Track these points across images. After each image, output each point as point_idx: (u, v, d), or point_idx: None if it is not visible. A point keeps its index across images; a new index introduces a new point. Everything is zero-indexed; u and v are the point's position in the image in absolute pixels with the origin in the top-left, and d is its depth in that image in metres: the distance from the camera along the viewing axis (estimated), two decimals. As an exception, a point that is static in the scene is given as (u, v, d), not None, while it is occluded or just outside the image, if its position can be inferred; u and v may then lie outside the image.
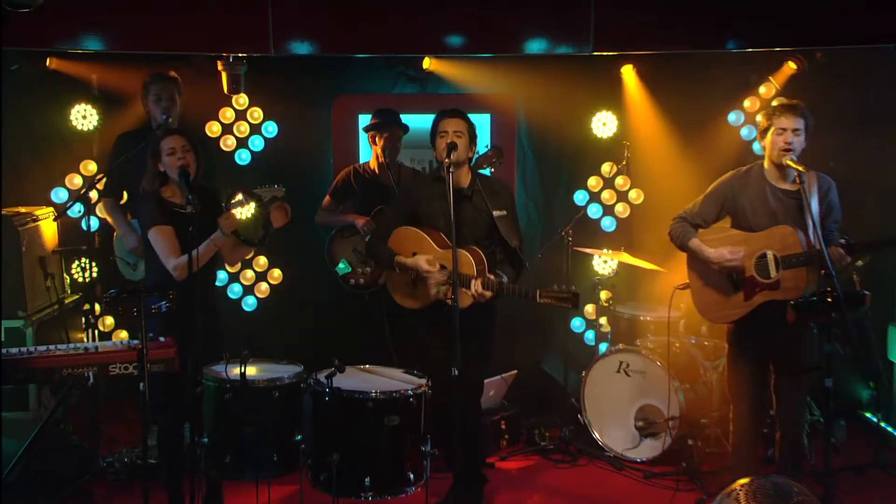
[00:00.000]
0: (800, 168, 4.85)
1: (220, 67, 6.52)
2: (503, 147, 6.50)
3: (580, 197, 7.61)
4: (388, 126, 6.56)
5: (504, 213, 5.14)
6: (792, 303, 4.68)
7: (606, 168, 7.44)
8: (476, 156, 5.42)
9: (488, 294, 4.89)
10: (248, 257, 6.74)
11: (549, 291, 4.80)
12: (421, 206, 5.19)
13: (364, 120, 7.12)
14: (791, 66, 6.94)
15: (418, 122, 6.86)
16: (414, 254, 5.12)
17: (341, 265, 6.67)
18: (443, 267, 5.01)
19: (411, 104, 7.20)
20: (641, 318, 6.63)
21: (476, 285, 4.86)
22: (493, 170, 6.28)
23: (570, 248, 6.57)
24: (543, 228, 7.55)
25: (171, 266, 5.00)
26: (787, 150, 4.92)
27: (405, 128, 6.65)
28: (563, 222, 6.87)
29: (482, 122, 7.43)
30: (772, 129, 5.00)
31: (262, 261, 7.45)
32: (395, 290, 5.33)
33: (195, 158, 5.13)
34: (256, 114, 7.38)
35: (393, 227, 5.27)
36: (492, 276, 4.98)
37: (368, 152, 6.94)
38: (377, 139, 6.59)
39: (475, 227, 5.12)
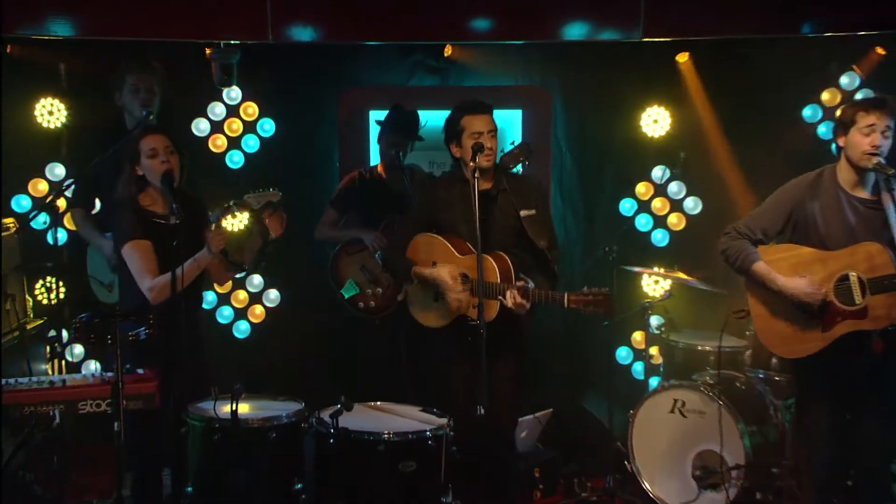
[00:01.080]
0: (889, 171, 4.82)
1: (208, 56, 6.62)
2: (531, 143, 6.48)
3: (627, 206, 7.67)
4: (398, 129, 6.73)
5: (532, 212, 5.28)
6: (881, 332, 4.69)
7: (658, 172, 7.52)
8: (500, 153, 5.55)
9: (527, 303, 5.03)
10: (239, 276, 6.73)
11: (579, 294, 4.90)
12: (441, 212, 5.36)
13: (375, 117, 7.29)
14: (879, 53, 6.95)
15: (437, 119, 6.76)
16: (434, 263, 5.28)
17: (348, 286, 6.80)
18: (465, 277, 5.16)
19: (430, 98, 7.28)
20: (699, 347, 6.62)
21: (513, 296, 5.00)
22: (521, 168, 6.36)
23: (616, 267, 6.63)
24: (584, 243, 7.63)
25: (145, 287, 5.05)
26: (874, 154, 4.88)
27: (417, 138, 6.83)
28: (606, 236, 7.00)
29: (512, 119, 7.55)
30: (855, 127, 4.95)
31: (257, 280, 7.54)
32: (415, 304, 5.49)
33: (179, 161, 5.21)
34: (251, 110, 7.49)
35: (411, 235, 5.44)
36: (519, 284, 5.12)
37: (372, 156, 7.23)
38: (380, 139, 6.85)
39: (502, 231, 5.25)
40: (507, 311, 5.10)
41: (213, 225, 5.14)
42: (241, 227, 5.41)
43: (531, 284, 5.14)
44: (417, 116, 6.83)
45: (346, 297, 6.84)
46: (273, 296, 7.64)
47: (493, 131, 5.20)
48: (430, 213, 5.41)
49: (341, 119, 7.59)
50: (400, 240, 5.54)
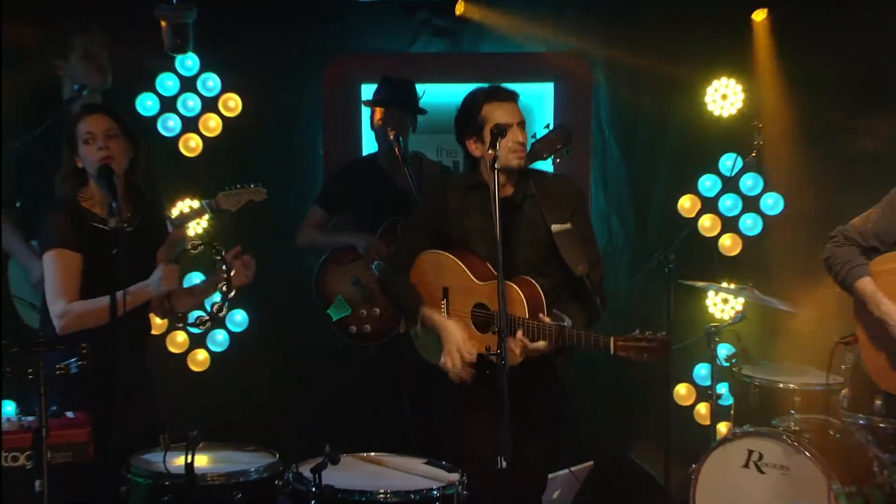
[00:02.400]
0: None
1: (157, 14, 6.64)
2: (570, 129, 6.26)
3: (688, 205, 7.63)
4: (394, 105, 6.81)
5: (567, 226, 5.28)
6: None
7: (727, 162, 7.39)
8: (531, 141, 5.52)
9: (540, 346, 5.04)
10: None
11: (629, 339, 4.88)
12: (451, 222, 5.37)
13: (369, 92, 7.30)
14: None
15: (447, 94, 6.92)
16: (445, 292, 5.32)
17: (337, 305, 6.82)
18: (481, 310, 5.20)
19: (437, 68, 7.42)
20: (781, 385, 6.55)
21: (521, 342, 5.04)
22: (557, 160, 6.33)
23: (673, 281, 6.63)
24: (632, 251, 7.67)
25: (56, 311, 5.06)
26: None
27: (419, 110, 6.88)
28: (661, 242, 6.97)
29: (542, 95, 7.58)
30: None
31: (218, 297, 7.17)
32: (423, 344, 5.51)
33: (130, 149, 5.21)
34: (211, 83, 7.49)
35: (415, 251, 5.44)
36: (547, 319, 5.09)
37: (365, 144, 7.33)
38: (380, 120, 6.86)
39: (530, 247, 5.27)
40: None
41: (169, 252, 5.24)
42: (200, 249, 5.31)
43: (567, 322, 5.13)
44: (413, 85, 6.93)
45: (335, 318, 6.86)
46: (239, 318, 7.61)
47: (522, 123, 5.21)
48: (440, 220, 5.42)
49: (327, 94, 7.62)
50: (401, 257, 5.56)
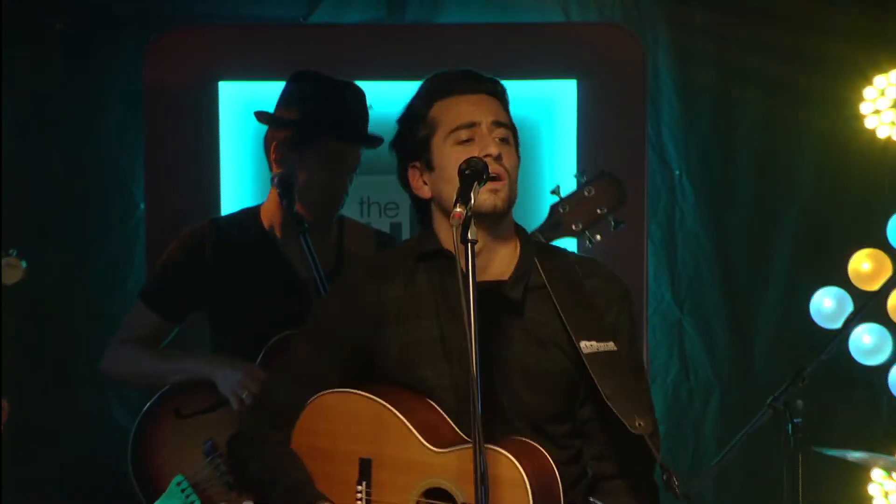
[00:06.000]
0: None
1: None
2: (619, 177, 4.81)
3: (829, 304, 6.18)
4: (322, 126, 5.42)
5: (610, 345, 4.06)
6: None
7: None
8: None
9: None
10: None
11: None
12: (385, 336, 4.12)
13: (235, 95, 6.34)
14: None
15: (381, 103, 5.58)
16: (364, 468, 4.11)
17: (170, 495, 5.49)
18: (438, 502, 4.00)
19: (362, 53, 6.23)
20: None
21: None
22: (595, 238, 4.86)
23: (802, 448, 4.55)
24: (724, 389, 6.32)
25: None
26: None
27: (369, 139, 5.41)
28: (780, 372, 5.88)
29: (558, 99, 6.36)
30: None
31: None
32: None
33: None
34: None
35: (306, 390, 4.14)
36: None
37: (255, 188, 6.34)
38: (281, 153, 5.40)
39: (532, 384, 4.03)
40: None
41: None
42: None
43: None
44: (359, 91, 5.46)
45: (173, 513, 6.06)
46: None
47: (507, 127, 3.88)
48: (359, 333, 4.10)
49: (150, 98, 6.21)
50: (276, 399, 4.22)
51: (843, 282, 6.21)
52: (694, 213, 6.44)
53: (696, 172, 6.43)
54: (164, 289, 5.40)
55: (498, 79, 4.04)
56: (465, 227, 3.56)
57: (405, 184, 4.05)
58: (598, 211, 4.67)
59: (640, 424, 3.88)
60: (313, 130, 5.25)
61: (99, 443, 6.23)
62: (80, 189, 6.28)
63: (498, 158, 3.77)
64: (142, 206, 6.26)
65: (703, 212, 6.45)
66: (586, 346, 4.01)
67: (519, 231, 4.07)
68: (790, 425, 4.41)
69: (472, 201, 3.62)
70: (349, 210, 5.74)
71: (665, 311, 6.48)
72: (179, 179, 6.33)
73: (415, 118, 3.99)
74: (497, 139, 3.86)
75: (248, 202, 5.95)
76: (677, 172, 6.40)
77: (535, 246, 4.17)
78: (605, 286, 4.12)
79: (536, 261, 4.08)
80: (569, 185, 4.75)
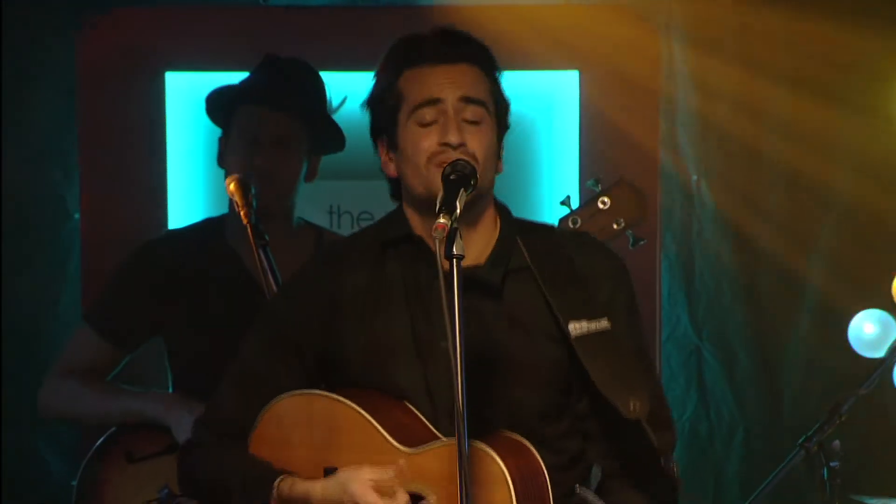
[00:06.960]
0: None
1: None
2: (642, 191, 4.88)
3: (870, 333, 5.88)
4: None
5: (602, 323, 3.94)
6: None
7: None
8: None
9: None
10: None
11: None
12: (346, 333, 3.97)
13: (187, 88, 6.22)
14: None
15: (359, 96, 4.88)
16: (330, 471, 3.86)
17: None
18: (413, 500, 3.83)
19: (324, 38, 6.20)
20: None
21: None
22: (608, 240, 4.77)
23: (836, 490, 4.71)
24: (748, 425, 6.25)
25: None
26: None
27: (334, 136, 5.28)
28: (812, 409, 5.79)
29: (558, 90, 6.36)
30: None
31: None
32: None
33: None
34: None
35: (261, 395, 3.93)
36: None
37: (207, 193, 6.33)
38: (235, 153, 5.14)
39: (514, 376, 3.92)
40: None
41: None
42: None
43: None
44: (303, 66, 5.32)
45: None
46: None
47: (479, 104, 3.60)
48: (319, 328, 3.88)
49: (83, 95, 6.15)
50: (226, 406, 3.90)
51: (887, 304, 5.67)
52: (713, 224, 6.28)
53: (715, 177, 6.23)
54: (114, 311, 5.17)
55: (469, 36, 3.70)
56: (449, 241, 3.36)
57: (376, 153, 3.88)
58: (615, 226, 4.63)
59: (634, 407, 3.76)
60: (231, 102, 5.08)
61: (30, 490, 5.92)
62: (1, 196, 6.13)
63: (459, 147, 3.53)
64: (76, 215, 6.09)
65: (723, 222, 6.27)
66: (575, 327, 3.87)
67: (500, 209, 3.89)
68: (825, 469, 4.51)
69: (458, 210, 3.37)
70: (316, 219, 5.52)
71: (681, 336, 6.35)
72: (120, 184, 6.13)
73: (384, 85, 3.73)
74: (463, 120, 3.63)
75: (199, 209, 6.01)
76: (694, 177, 6.23)
77: (518, 225, 3.95)
78: (596, 261, 3.97)
79: (519, 241, 3.91)
80: (577, 193, 5.24)
